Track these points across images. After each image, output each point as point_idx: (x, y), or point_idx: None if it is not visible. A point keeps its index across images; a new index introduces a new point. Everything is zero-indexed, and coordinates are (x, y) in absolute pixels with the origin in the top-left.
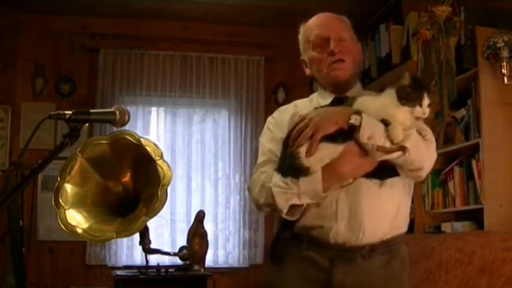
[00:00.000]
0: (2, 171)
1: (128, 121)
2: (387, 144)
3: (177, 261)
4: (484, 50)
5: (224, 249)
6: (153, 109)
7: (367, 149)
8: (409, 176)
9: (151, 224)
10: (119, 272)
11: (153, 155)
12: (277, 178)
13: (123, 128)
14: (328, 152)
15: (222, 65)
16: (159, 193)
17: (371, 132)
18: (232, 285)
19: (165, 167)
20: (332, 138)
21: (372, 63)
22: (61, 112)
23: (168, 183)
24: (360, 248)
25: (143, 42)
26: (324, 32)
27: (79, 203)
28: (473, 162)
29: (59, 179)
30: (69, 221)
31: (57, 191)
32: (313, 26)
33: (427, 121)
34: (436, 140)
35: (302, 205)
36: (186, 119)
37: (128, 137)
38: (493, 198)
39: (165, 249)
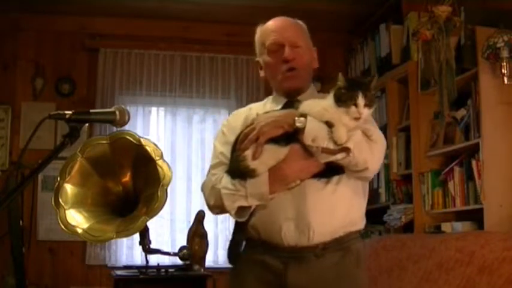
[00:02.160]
0: (2, 171)
1: (128, 121)
2: (331, 146)
3: (177, 261)
4: (484, 50)
5: (224, 249)
6: (153, 109)
7: (312, 151)
8: (355, 176)
9: (151, 224)
10: (118, 272)
11: (153, 155)
12: (226, 180)
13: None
14: (273, 154)
15: (222, 65)
16: (159, 193)
17: (315, 134)
18: None
19: (165, 167)
20: (278, 141)
21: (371, 63)
22: (61, 112)
23: (168, 183)
24: (313, 248)
25: (143, 42)
26: (279, 38)
27: (79, 203)
28: (473, 162)
29: (59, 179)
30: (69, 221)
31: (57, 191)
32: (269, 30)
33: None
34: (436, 140)
35: (250, 207)
36: (186, 119)
37: (128, 137)
38: (493, 198)
39: (165, 249)
